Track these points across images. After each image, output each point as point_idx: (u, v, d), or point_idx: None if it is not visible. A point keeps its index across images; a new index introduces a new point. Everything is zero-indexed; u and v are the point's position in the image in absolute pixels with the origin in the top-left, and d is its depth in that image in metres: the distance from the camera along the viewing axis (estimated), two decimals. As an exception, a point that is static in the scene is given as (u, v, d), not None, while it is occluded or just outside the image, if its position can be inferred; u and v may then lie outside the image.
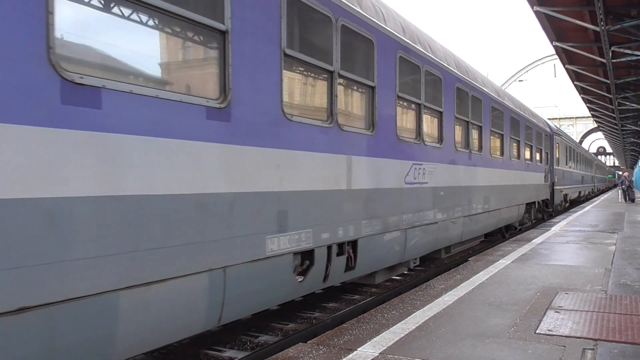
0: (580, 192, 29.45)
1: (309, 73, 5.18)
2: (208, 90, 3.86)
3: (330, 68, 5.16)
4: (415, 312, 4.98)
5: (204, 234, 3.70)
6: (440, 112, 7.96)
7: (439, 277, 6.76)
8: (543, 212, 17.60)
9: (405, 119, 7.00)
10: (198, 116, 3.64)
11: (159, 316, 3.41)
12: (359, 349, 3.93)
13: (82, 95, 2.90)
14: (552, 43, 16.22)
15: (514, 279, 6.56)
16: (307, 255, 4.93)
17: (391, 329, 4.45)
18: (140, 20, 3.46)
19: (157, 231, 3.35)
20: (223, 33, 3.86)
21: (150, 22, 3.56)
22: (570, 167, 24.30)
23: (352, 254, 5.66)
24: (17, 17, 2.61)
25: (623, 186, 28.80)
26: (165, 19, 3.59)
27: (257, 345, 5.62)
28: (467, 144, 9.31)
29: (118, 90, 3.09)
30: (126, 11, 3.32)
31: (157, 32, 3.70)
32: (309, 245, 4.87)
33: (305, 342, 4.16)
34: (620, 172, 73.81)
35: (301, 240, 4.75)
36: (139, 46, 3.52)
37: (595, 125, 55.26)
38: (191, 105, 3.58)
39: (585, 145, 71.77)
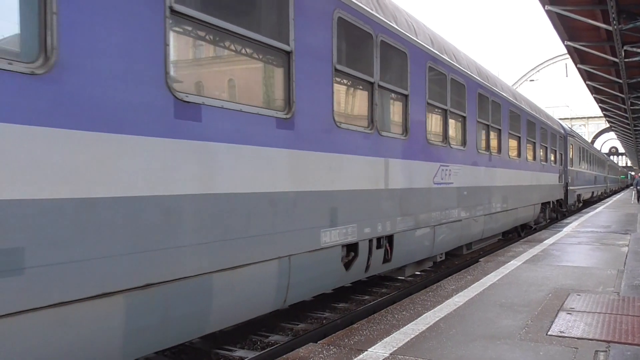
0: (593, 193, 29.89)
1: (354, 84, 5.82)
2: (277, 103, 4.51)
3: (371, 80, 5.81)
4: (425, 312, 5.04)
5: (275, 227, 4.35)
6: (464, 117, 8.58)
7: (449, 277, 6.86)
8: (557, 211, 18.14)
9: (433, 124, 7.63)
10: (270, 126, 4.30)
11: (241, 296, 4.07)
12: (369, 350, 3.97)
13: (188, 111, 3.56)
14: (563, 42, 16.09)
15: (526, 280, 6.60)
16: (352, 248, 5.57)
17: (402, 329, 4.48)
18: (226, 46, 4.13)
19: (241, 224, 4.00)
20: (288, 53, 4.51)
21: (233, 47, 4.23)
22: (583, 167, 24.79)
23: (388, 248, 6.29)
24: (143, 49, 3.27)
25: (639, 187, 28.97)
26: (245, 43, 4.25)
27: (267, 345, 5.69)
28: (487, 146, 9.92)
29: (213, 106, 3.75)
30: (216, 39, 3.99)
31: (240, 56, 4.36)
32: (354, 239, 5.51)
33: (316, 342, 4.22)
34: (632, 173, 73.76)
35: (348, 234, 5.39)
36: (227, 67, 4.18)
37: (608, 126, 55.42)
38: (265, 117, 4.24)
39: (597, 145, 71.83)
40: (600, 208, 22.69)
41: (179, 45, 3.62)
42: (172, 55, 3.46)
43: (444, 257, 8.44)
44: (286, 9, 4.46)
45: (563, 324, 4.59)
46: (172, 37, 3.44)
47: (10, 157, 2.59)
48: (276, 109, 4.42)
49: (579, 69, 19.33)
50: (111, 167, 3.06)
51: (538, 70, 73.18)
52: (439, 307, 5.25)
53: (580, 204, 24.41)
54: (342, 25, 5.22)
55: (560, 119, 52.84)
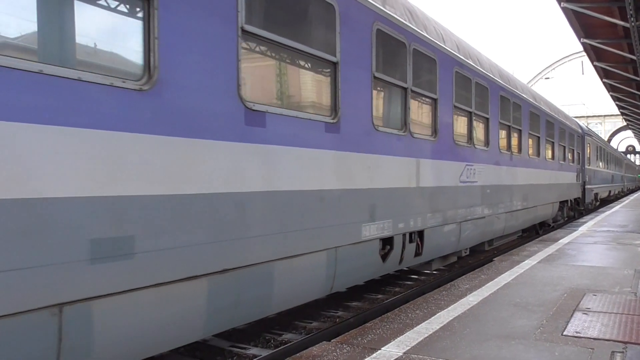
0: (610, 191, 30.06)
1: (389, 90, 6.31)
2: (325, 109, 5.03)
3: (405, 85, 6.30)
4: (439, 312, 5.06)
5: (324, 221, 4.87)
6: (487, 118, 9.04)
7: (463, 277, 6.88)
8: (575, 210, 18.47)
9: (459, 126, 8.09)
10: (320, 130, 4.82)
11: (296, 283, 4.60)
12: (382, 349, 3.99)
13: (255, 118, 4.09)
14: (580, 40, 15.93)
15: (540, 279, 6.58)
16: (387, 241, 6.07)
17: (415, 328, 4.52)
18: (283, 58, 4.65)
19: (296, 218, 4.53)
20: (335, 64, 5.02)
21: (289, 60, 4.75)
22: (600, 166, 25.02)
23: (419, 242, 6.78)
24: (221, 65, 3.80)
25: None
26: (299, 56, 4.77)
27: (280, 343, 5.74)
28: (508, 146, 10.36)
29: (274, 113, 4.27)
30: (275, 53, 4.51)
31: (294, 67, 4.89)
32: (390, 233, 6.01)
33: (329, 341, 4.29)
34: (651, 171, 73.15)
35: (384, 228, 5.89)
36: (283, 78, 4.71)
37: (625, 124, 55.16)
38: (316, 122, 4.76)
39: (614, 143, 71.41)
40: (616, 207, 22.61)
41: (247, 60, 4.13)
42: (243, 69, 3.98)
43: (468, 252, 8.92)
44: (333, 24, 4.98)
45: (579, 324, 4.58)
46: (242, 54, 3.96)
47: (124, 159, 3.13)
48: (324, 115, 4.94)
49: (595, 66, 19.20)
50: (196, 167, 3.60)
51: (553, 68, 72.93)
52: (452, 306, 5.27)
53: (598, 203, 24.66)
54: (380, 36, 5.72)
55: (576, 117, 52.80)
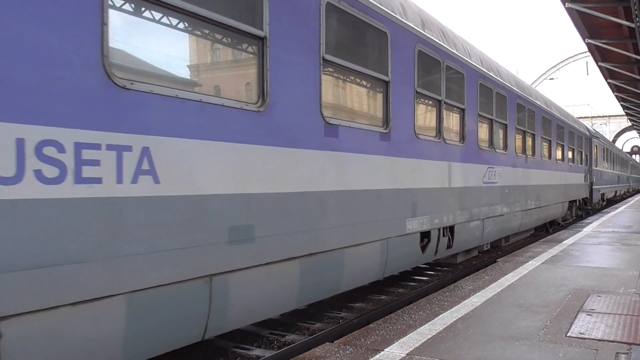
0: (616, 192, 31.16)
1: (427, 102, 7.31)
2: (379, 121, 6.04)
3: (439, 98, 7.31)
4: (442, 313, 5.14)
5: (379, 215, 5.87)
6: (505, 125, 10.06)
7: (466, 278, 7.00)
8: (583, 209, 19.52)
9: (482, 132, 9.11)
10: (376, 139, 5.82)
11: (359, 267, 5.60)
12: (386, 350, 4.06)
13: (331, 130, 5.09)
14: (584, 40, 16.06)
15: (544, 280, 6.66)
16: (425, 235, 7.07)
17: (418, 329, 4.59)
18: (350, 80, 5.66)
19: (359, 212, 5.53)
20: (387, 82, 6.03)
21: (355, 80, 5.76)
22: (606, 167, 26.11)
23: (450, 236, 7.78)
24: (310, 88, 4.80)
25: None
26: (362, 77, 5.79)
27: (284, 344, 5.86)
28: (524, 149, 11.40)
29: (344, 125, 5.27)
30: (344, 76, 5.52)
31: (358, 86, 5.90)
32: (427, 228, 7.01)
33: (332, 342, 4.37)
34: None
35: (423, 223, 6.89)
36: (349, 95, 5.72)
37: (630, 124, 56.19)
38: (374, 132, 5.77)
39: (618, 144, 72.47)
40: (621, 208, 22.84)
41: (325, 82, 5.12)
42: (323, 90, 4.98)
43: (489, 247, 9.93)
44: (386, 48, 5.98)
45: (583, 325, 4.63)
46: (323, 78, 4.97)
47: (249, 165, 4.12)
48: (379, 126, 5.95)
49: (600, 67, 19.38)
50: (292, 171, 4.60)
51: (558, 69, 74.10)
52: (456, 307, 5.35)
53: (604, 203, 25.73)
54: (420, 56, 6.73)
55: (580, 117, 53.88)
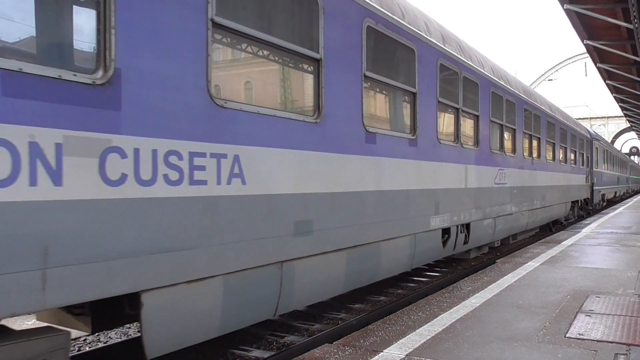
0: (616, 192, 32.15)
1: (447, 110, 8.12)
2: (408, 128, 6.83)
3: (457, 106, 8.13)
4: (442, 314, 5.21)
5: (408, 213, 6.66)
6: (514, 129, 10.90)
7: (465, 279, 7.15)
8: (584, 209, 20.43)
9: (494, 136, 9.93)
10: (405, 144, 6.62)
11: (393, 258, 6.39)
12: (385, 351, 4.11)
13: (370, 137, 5.87)
14: (583, 41, 16.27)
15: (543, 281, 6.75)
16: (445, 231, 7.86)
17: (417, 330, 4.65)
18: (380, 91, 6.46)
19: (393, 210, 6.31)
20: (414, 94, 6.82)
21: (384, 92, 6.56)
22: (607, 169, 27.08)
23: (466, 233, 8.58)
24: (354, 102, 5.58)
25: None
26: (393, 89, 6.58)
27: (283, 346, 5.96)
28: (530, 152, 12.24)
29: (381, 133, 6.06)
30: (378, 89, 6.31)
31: (390, 97, 6.70)
32: (448, 224, 7.81)
33: (331, 343, 4.43)
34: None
35: (444, 220, 7.69)
36: (384, 105, 6.52)
37: (628, 125, 57.26)
38: (404, 138, 6.56)
39: (617, 145, 73.58)
40: (620, 209, 23.20)
41: (365, 95, 5.90)
42: (364, 102, 5.75)
43: (499, 244, 10.74)
44: (413, 63, 6.78)
45: (582, 326, 4.68)
46: (364, 92, 5.75)
47: (307, 168, 4.90)
48: (408, 133, 6.75)
49: (598, 68, 19.69)
50: (341, 173, 5.38)
51: (557, 70, 75.34)
52: (455, 308, 5.44)
53: (605, 203, 26.67)
54: (442, 69, 7.54)
55: (579, 118, 54.87)
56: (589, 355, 3.96)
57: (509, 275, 7.26)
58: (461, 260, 10.97)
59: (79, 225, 3.02)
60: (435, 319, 5.04)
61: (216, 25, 3.92)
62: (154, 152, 3.45)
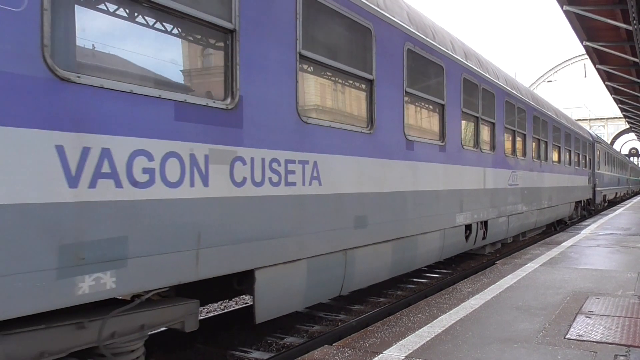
0: (616, 193, 33.41)
1: (468, 119, 9.17)
2: (438, 136, 7.88)
3: (477, 115, 9.19)
4: (441, 315, 5.29)
5: (438, 210, 7.71)
6: (524, 134, 11.99)
7: (465, 280, 7.29)
8: (587, 209, 21.59)
9: (507, 141, 11.00)
10: (436, 150, 7.66)
11: (426, 250, 7.44)
12: (384, 352, 4.16)
13: (410, 145, 6.91)
14: (582, 43, 16.50)
15: (543, 283, 6.85)
16: (468, 227, 8.91)
17: (417, 332, 4.71)
18: (418, 104, 7.51)
19: (426, 208, 7.35)
20: (442, 106, 7.87)
21: (420, 105, 7.61)
22: (608, 170, 28.29)
23: (484, 229, 9.64)
24: (398, 116, 6.61)
25: None
26: (424, 102, 7.63)
27: (282, 347, 6.06)
28: (538, 155, 13.33)
29: (417, 141, 7.10)
30: (415, 103, 7.36)
31: (423, 110, 7.75)
32: (470, 221, 8.86)
33: (331, 345, 4.50)
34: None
35: (467, 217, 8.74)
36: (419, 117, 7.57)
37: (628, 126, 58.45)
38: (435, 145, 7.61)
39: (616, 146, 74.88)
40: (620, 210, 23.52)
41: (406, 108, 6.92)
42: (405, 114, 6.78)
43: (511, 240, 11.83)
44: (442, 78, 7.83)
45: (581, 328, 4.73)
46: (405, 107, 6.79)
47: (364, 171, 5.92)
48: (438, 140, 7.80)
49: (597, 69, 20.03)
50: (387, 175, 6.41)
51: (556, 71, 76.66)
52: (454, 309, 5.52)
53: (606, 204, 27.87)
54: (465, 82, 8.60)
55: (578, 120, 56.09)
56: (589, 357, 4.02)
57: (508, 276, 7.41)
58: (460, 262, 11.67)
59: (218, 216, 4.04)
60: (434, 321, 5.13)
61: (302, 57, 4.95)
62: (263, 160, 4.47)
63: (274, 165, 4.60)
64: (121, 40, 3.65)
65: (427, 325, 4.98)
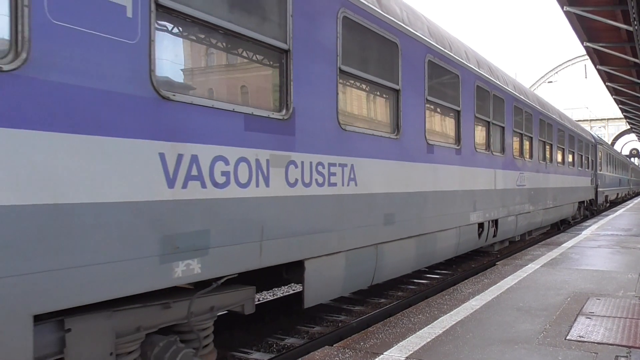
0: (618, 194, 34.16)
1: (480, 123, 9.83)
2: (454, 140, 8.54)
3: (488, 119, 9.86)
4: (442, 316, 5.35)
5: (454, 209, 8.36)
6: (531, 137, 12.68)
7: (466, 281, 7.41)
8: (589, 210, 22.30)
9: (515, 144, 11.67)
10: (453, 153, 8.32)
11: (444, 245, 8.08)
12: (385, 353, 4.20)
13: (430, 148, 7.56)
14: (582, 44, 16.73)
15: (544, 283, 6.93)
16: (480, 225, 9.57)
17: (418, 333, 4.76)
18: (437, 111, 8.17)
19: (444, 207, 7.99)
20: (458, 112, 8.53)
21: (439, 112, 8.27)
22: (609, 171, 29.04)
23: (495, 228, 10.30)
24: (420, 122, 7.26)
25: None
26: (442, 109, 8.29)
27: (283, 348, 6.12)
28: (544, 157, 14.02)
29: (436, 145, 7.76)
30: (433, 109, 8.02)
31: (442, 116, 8.41)
32: (482, 220, 9.52)
33: (332, 346, 4.54)
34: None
35: (479, 216, 9.39)
36: (438, 123, 8.24)
37: (628, 127, 59.26)
38: (452, 148, 8.27)
39: (617, 147, 75.67)
40: (620, 211, 23.91)
41: (427, 115, 7.57)
42: (427, 120, 7.43)
43: (519, 238, 12.49)
44: (457, 86, 8.49)
45: (582, 329, 4.78)
46: (426, 113, 7.44)
47: (392, 173, 6.57)
48: (454, 144, 8.46)
49: (598, 70, 20.34)
50: (411, 176, 7.06)
51: (556, 72, 77.55)
52: (455, 310, 5.58)
53: (608, 204, 28.60)
54: (478, 89, 9.27)
55: (579, 120, 56.86)
56: (590, 358, 4.05)
57: (509, 277, 7.53)
58: (461, 262, 12.06)
59: (276, 213, 4.69)
60: (435, 322, 5.19)
61: (341, 72, 5.60)
62: (311, 163, 5.12)
63: (319, 168, 5.25)
64: (203, 62, 4.30)
65: (428, 326, 5.06)
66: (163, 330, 4.17)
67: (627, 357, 4.07)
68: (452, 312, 5.57)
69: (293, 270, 5.18)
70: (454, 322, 5.16)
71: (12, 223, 2.80)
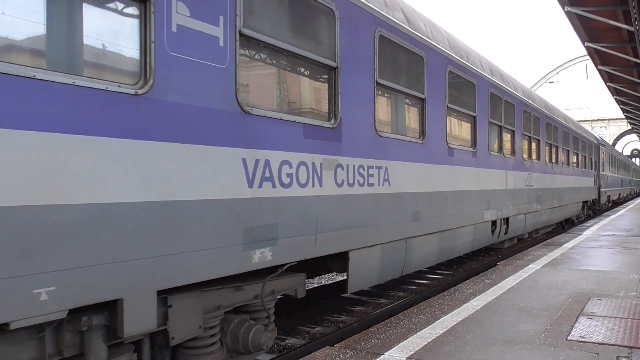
0: (620, 194, 35.05)
1: (493, 128, 10.61)
2: (470, 143, 9.31)
3: (500, 124, 10.66)
4: (443, 316, 5.39)
5: (470, 208, 9.13)
6: (538, 140, 13.48)
7: (467, 281, 7.49)
8: (592, 209, 23.15)
9: (524, 146, 12.47)
10: (469, 156, 9.09)
11: (462, 241, 8.86)
12: (386, 353, 4.23)
13: (450, 152, 8.33)
14: (583, 44, 16.91)
15: (545, 284, 6.98)
16: (493, 223, 10.35)
17: (419, 333, 4.80)
18: (456, 116, 8.96)
19: (461, 205, 8.77)
20: (474, 117, 9.31)
21: (455, 116, 9.06)
22: (611, 172, 29.91)
23: (506, 225, 11.09)
24: (442, 126, 8.04)
25: None
26: (460, 115, 9.07)
27: (284, 348, 6.16)
28: (550, 158, 14.83)
29: (456, 148, 8.53)
30: (456, 115, 8.81)
31: (460, 120, 9.19)
32: (495, 218, 10.30)
33: (332, 346, 4.59)
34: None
35: (492, 214, 10.18)
36: (458, 127, 9.03)
37: (629, 127, 60.12)
38: (469, 151, 9.05)
39: (618, 147, 76.50)
40: (622, 211, 24.05)
41: (448, 121, 8.33)
42: (447, 126, 8.19)
43: (527, 236, 13.29)
44: (474, 93, 9.27)
45: (583, 329, 4.81)
46: (447, 119, 8.20)
47: (418, 175, 7.33)
48: (470, 147, 9.24)
49: (599, 70, 20.61)
50: (433, 177, 7.83)
51: (558, 72, 78.40)
52: (456, 310, 5.62)
53: (610, 204, 29.47)
54: (491, 96, 10.06)
55: (580, 121, 57.67)
56: (591, 358, 4.08)
57: (510, 277, 7.61)
58: (462, 263, 12.48)
59: (327, 209, 5.45)
60: (436, 322, 5.24)
61: (378, 84, 6.37)
62: (354, 166, 5.89)
63: (361, 170, 6.02)
64: (271, 80, 5.08)
65: (429, 327, 5.11)
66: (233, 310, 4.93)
67: (628, 357, 4.12)
68: (453, 313, 5.64)
69: (336, 261, 5.95)
70: (454, 323, 5.24)
71: (142, 216, 3.56)
